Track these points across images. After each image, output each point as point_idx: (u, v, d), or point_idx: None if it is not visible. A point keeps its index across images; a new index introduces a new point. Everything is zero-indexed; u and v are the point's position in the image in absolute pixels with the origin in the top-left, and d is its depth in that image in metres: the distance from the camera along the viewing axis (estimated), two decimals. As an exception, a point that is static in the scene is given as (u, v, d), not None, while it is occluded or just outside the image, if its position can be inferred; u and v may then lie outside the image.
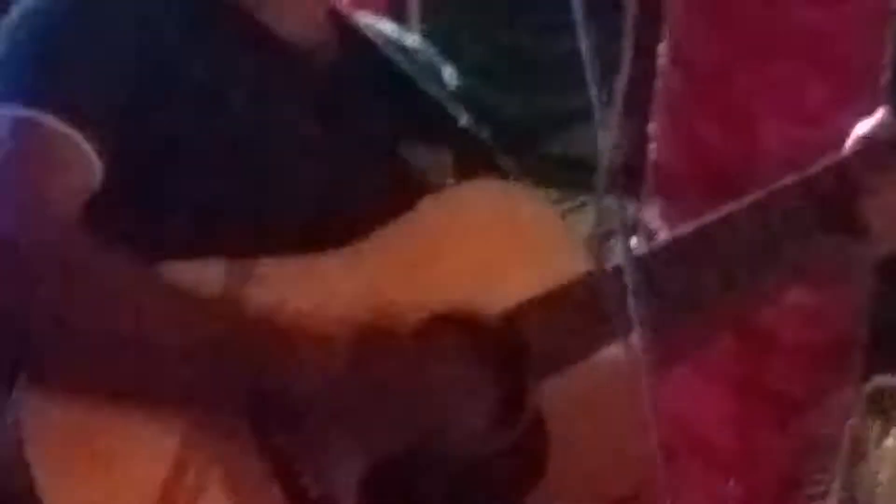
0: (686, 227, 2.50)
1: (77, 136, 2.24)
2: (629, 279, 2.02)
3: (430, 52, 2.73)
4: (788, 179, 2.52)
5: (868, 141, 2.50)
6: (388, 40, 2.65)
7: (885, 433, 4.07)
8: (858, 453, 4.00)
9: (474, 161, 2.57)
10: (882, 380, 4.09)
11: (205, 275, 2.28)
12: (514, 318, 2.35)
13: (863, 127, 2.52)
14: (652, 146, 4.06)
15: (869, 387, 4.11)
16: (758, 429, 4.08)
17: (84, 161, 2.26)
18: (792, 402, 4.01)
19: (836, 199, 2.49)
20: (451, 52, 3.00)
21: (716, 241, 2.48)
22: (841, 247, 2.48)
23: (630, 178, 3.28)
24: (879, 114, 2.54)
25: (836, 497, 3.89)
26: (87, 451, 2.23)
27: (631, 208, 2.93)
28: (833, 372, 4.03)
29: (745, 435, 4.05)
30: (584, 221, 3.02)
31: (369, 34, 2.61)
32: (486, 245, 2.46)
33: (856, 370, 4.09)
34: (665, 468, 2.02)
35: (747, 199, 2.51)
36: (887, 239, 2.47)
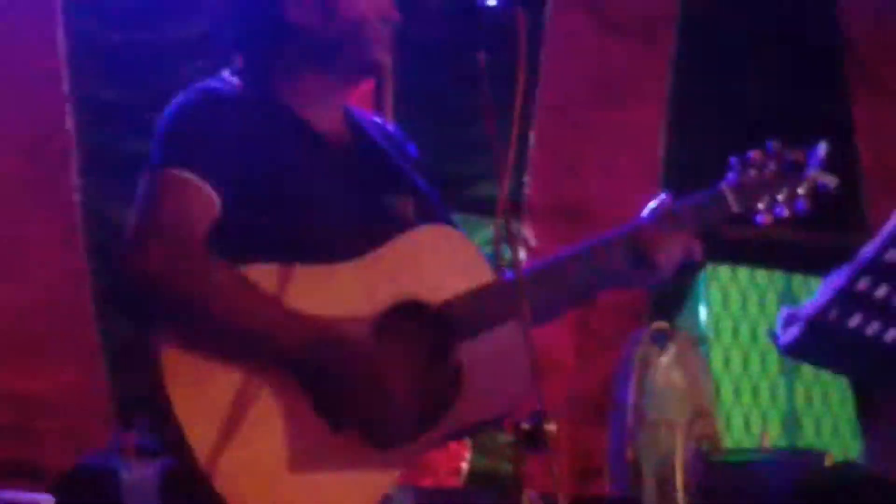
0: (548, 258, 2.62)
1: (206, 184, 2.38)
2: (517, 286, 2.38)
3: (401, 134, 2.76)
4: (610, 233, 2.63)
5: (655, 211, 2.60)
6: (377, 127, 2.71)
7: (660, 355, 4.08)
8: (645, 366, 4.08)
9: (427, 208, 2.61)
10: (658, 323, 4.19)
11: (265, 271, 2.38)
12: (446, 305, 2.45)
13: (653, 203, 2.61)
14: (528, 192, 4.31)
15: (651, 327, 4.17)
16: (588, 353, 4.34)
17: (211, 199, 2.38)
18: (607, 336, 4.30)
19: (637, 246, 2.59)
20: (414, 135, 3.05)
21: (565, 270, 2.60)
22: (639, 274, 2.60)
23: (516, 210, 3.78)
24: (663, 196, 2.64)
25: (633, 391, 4.02)
26: (193, 373, 2.35)
27: (517, 227, 2.95)
28: (631, 319, 4.34)
29: (581, 357, 4.32)
30: (489, 233, 2.77)
31: (365, 124, 2.66)
32: (433, 263, 2.53)
33: (644, 318, 4.37)
34: (536, 381, 2.26)
35: (585, 244, 2.63)
36: (664, 271, 2.57)
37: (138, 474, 3.36)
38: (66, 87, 4.07)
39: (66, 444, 3.80)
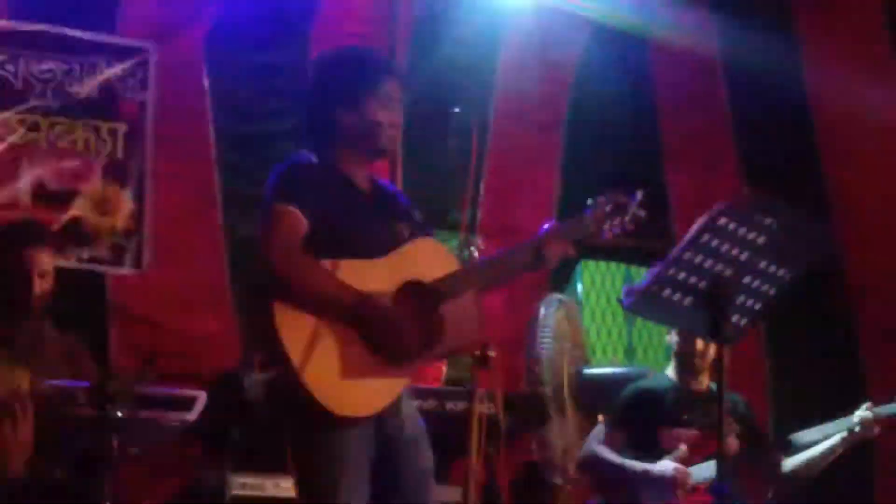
0: (489, 256, 2.58)
1: (297, 211, 2.35)
2: (472, 272, 2.47)
3: (400, 191, 2.73)
4: (522, 242, 2.61)
5: (547, 229, 2.57)
6: (388, 187, 2.66)
7: (556, 312, 4.08)
8: (546, 318, 4.05)
9: (418, 229, 2.55)
10: (554, 293, 4.22)
11: (328, 263, 2.36)
12: (434, 283, 2.42)
13: (546, 224, 2.59)
14: (479, 219, 4.26)
15: (550, 295, 4.14)
16: (513, 310, 4.16)
17: (303, 222, 2.35)
18: (524, 301, 4.20)
19: (538, 248, 2.54)
20: (415, 184, 3.41)
21: (495, 264, 2.56)
22: (538, 264, 2.55)
23: (472, 229, 3.69)
24: (552, 221, 2.65)
25: (539, 332, 4.00)
26: (292, 318, 2.30)
27: (473, 239, 2.72)
28: (538, 291, 4.20)
29: (509, 313, 4.18)
30: (456, 242, 2.79)
31: (381, 183, 2.63)
32: (426, 260, 2.47)
33: (546, 290, 4.27)
34: (482, 328, 2.46)
35: (509, 248, 2.62)
36: (552, 263, 2.53)
37: (255, 379, 3.28)
38: (213, 155, 4.04)
39: (212, 363, 3.73)
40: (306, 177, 2.47)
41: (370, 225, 2.48)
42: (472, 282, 2.47)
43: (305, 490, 2.37)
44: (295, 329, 2.33)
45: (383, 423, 2.42)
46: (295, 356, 2.30)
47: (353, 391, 2.35)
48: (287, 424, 2.37)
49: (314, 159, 2.51)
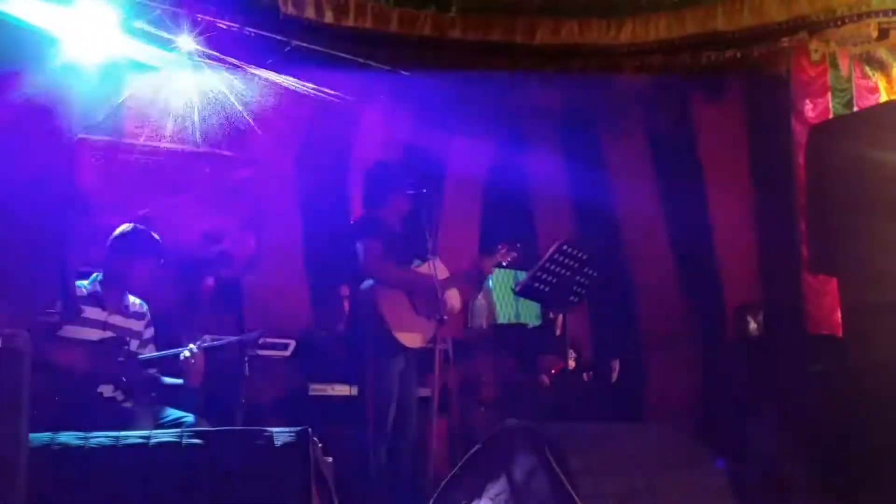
0: (453, 272, 2.50)
1: (376, 242, 2.32)
2: (450, 279, 2.47)
3: (416, 238, 2.55)
4: (466, 266, 2.50)
5: (479, 261, 2.48)
6: (405, 232, 2.56)
7: (480, 295, 3.82)
8: (475, 299, 3.78)
9: (423, 254, 2.48)
10: (479, 287, 3.85)
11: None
12: (446, 279, 2.41)
13: (478, 256, 2.55)
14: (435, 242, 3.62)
15: (480, 289, 3.92)
16: (464, 295, 3.64)
17: (379, 247, 2.31)
18: (467, 292, 3.54)
19: (479, 270, 2.50)
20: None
21: (460, 275, 2.52)
22: (478, 280, 2.60)
23: (434, 254, 3.28)
24: (481, 256, 2.54)
25: (474, 306, 3.76)
26: (383, 292, 2.27)
27: (435, 259, 2.58)
28: (474, 287, 3.77)
29: (464, 296, 3.67)
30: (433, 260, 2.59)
31: (403, 230, 2.53)
32: (433, 271, 2.41)
33: (476, 286, 3.77)
34: (458, 302, 2.49)
35: (464, 269, 2.52)
36: (483, 277, 2.51)
37: (322, 334, 3.19)
38: (299, 220, 3.74)
39: (297, 326, 3.35)
40: (375, 226, 2.50)
41: (401, 250, 2.52)
42: (452, 283, 2.55)
43: (373, 384, 2.36)
44: (385, 297, 2.36)
45: (409, 352, 2.46)
46: (383, 311, 2.35)
47: (408, 333, 2.39)
48: (366, 352, 2.36)
49: (376, 216, 2.52)
